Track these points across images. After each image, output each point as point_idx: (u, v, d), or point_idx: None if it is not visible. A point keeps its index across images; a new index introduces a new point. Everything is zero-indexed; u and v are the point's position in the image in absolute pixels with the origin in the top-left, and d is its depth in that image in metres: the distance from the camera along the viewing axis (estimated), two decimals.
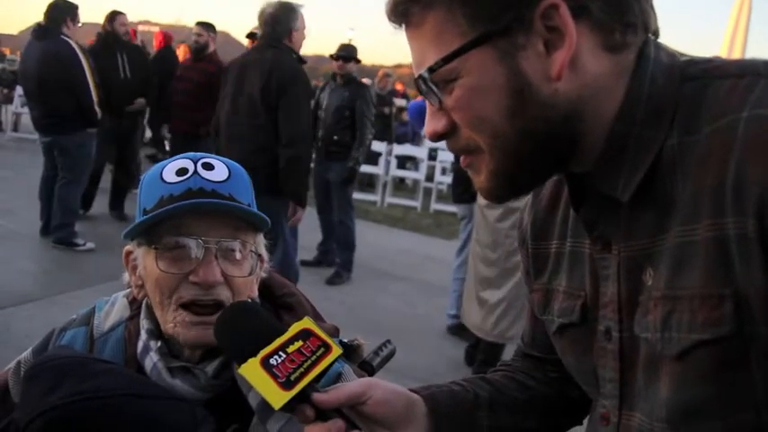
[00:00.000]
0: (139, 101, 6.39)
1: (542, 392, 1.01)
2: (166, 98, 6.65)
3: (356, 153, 5.40)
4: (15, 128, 11.53)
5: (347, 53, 5.51)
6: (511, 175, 0.75)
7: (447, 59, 0.70)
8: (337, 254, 5.72)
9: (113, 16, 6.27)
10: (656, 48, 0.74)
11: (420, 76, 0.73)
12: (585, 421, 0.99)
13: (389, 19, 0.76)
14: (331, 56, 5.57)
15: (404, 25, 0.75)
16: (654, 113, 0.71)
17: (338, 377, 1.01)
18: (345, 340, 1.13)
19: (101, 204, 6.60)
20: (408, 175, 10.57)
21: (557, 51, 0.68)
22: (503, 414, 0.97)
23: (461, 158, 0.79)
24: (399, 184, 10.87)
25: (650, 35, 0.74)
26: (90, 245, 5.45)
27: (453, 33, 0.70)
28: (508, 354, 3.97)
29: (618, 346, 0.77)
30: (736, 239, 0.62)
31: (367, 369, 1.13)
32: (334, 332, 1.11)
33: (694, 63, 0.73)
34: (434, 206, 9.25)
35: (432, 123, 0.77)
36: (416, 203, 9.43)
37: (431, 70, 0.72)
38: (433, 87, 0.73)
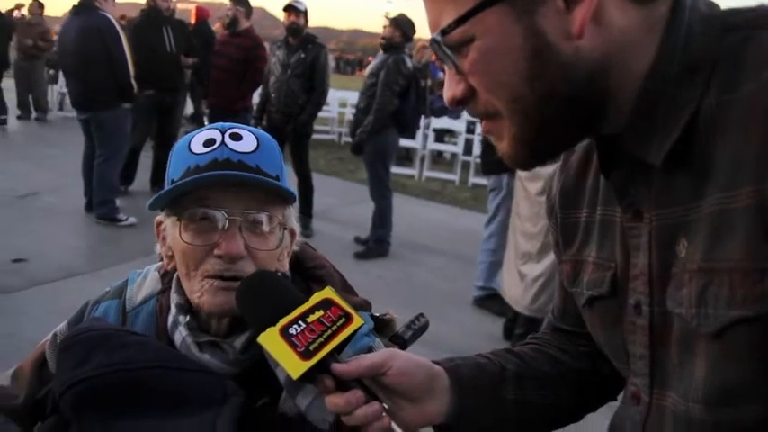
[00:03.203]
0: (185, 60, 6.42)
1: (573, 367, 0.97)
2: (204, 74, 6.71)
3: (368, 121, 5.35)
4: (61, 107, 11.82)
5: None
6: (533, 140, 0.71)
7: (461, 21, 0.66)
8: (371, 229, 5.71)
9: None
10: None
11: (434, 40, 0.69)
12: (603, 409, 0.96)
13: None
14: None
15: None
16: (689, 69, 0.65)
17: (368, 351, 0.99)
18: (377, 314, 1.11)
19: (142, 180, 6.73)
20: (446, 148, 10.46)
21: (577, 6, 0.63)
22: (530, 388, 0.93)
23: (482, 124, 0.75)
24: (437, 158, 10.77)
25: None
26: (132, 220, 5.57)
27: None
28: None
29: (648, 321, 0.73)
30: None
31: (398, 342, 1.11)
32: (365, 306, 1.09)
33: (737, 12, 0.67)
34: (472, 180, 9.15)
35: (450, 88, 0.73)
36: (454, 177, 9.34)
37: (444, 33, 0.68)
38: (448, 51, 0.69)
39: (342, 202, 7.22)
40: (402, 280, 5.13)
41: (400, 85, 5.27)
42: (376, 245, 5.61)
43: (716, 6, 0.68)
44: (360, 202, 6.97)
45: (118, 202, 5.74)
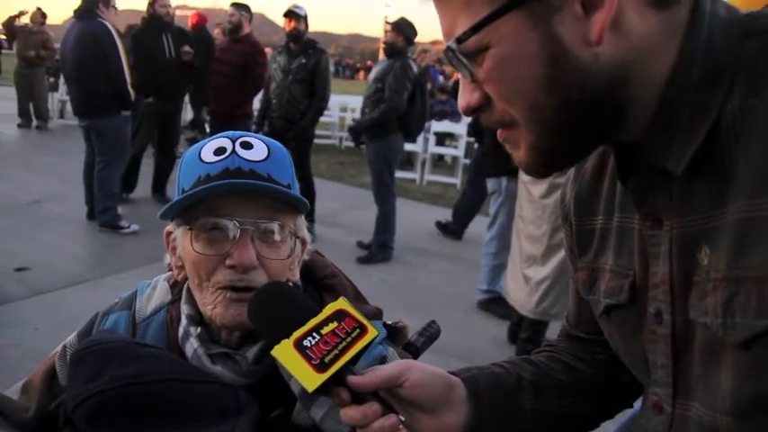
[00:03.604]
0: (185, 50, 6.35)
1: (589, 375, 0.96)
2: (205, 80, 6.71)
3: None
4: (62, 115, 11.83)
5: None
6: (551, 148, 0.70)
7: (476, 28, 0.65)
8: (374, 233, 5.70)
9: None
10: (713, 1, 0.66)
11: (448, 48, 0.68)
12: (619, 416, 0.95)
13: None
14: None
15: None
16: (711, 74, 0.64)
17: (382, 360, 0.98)
18: (389, 322, 1.10)
19: (144, 187, 6.72)
20: (447, 151, 10.45)
21: (596, 12, 0.62)
22: (547, 397, 0.92)
23: (498, 132, 0.73)
24: (438, 162, 10.76)
25: None
26: (134, 227, 5.56)
27: (482, 0, 0.64)
28: (552, 331, 3.91)
29: (670, 330, 0.72)
30: None
31: (411, 350, 1.11)
32: (377, 314, 1.08)
33: (758, 16, 0.66)
34: None
35: (464, 97, 0.71)
36: (456, 180, 9.33)
37: (459, 41, 0.66)
38: (463, 59, 0.68)
39: (344, 207, 7.21)
40: (405, 284, 5.11)
41: (408, 90, 5.28)
42: (379, 249, 5.60)
43: (735, 10, 0.67)
44: (362, 207, 6.97)
45: (120, 209, 5.74)
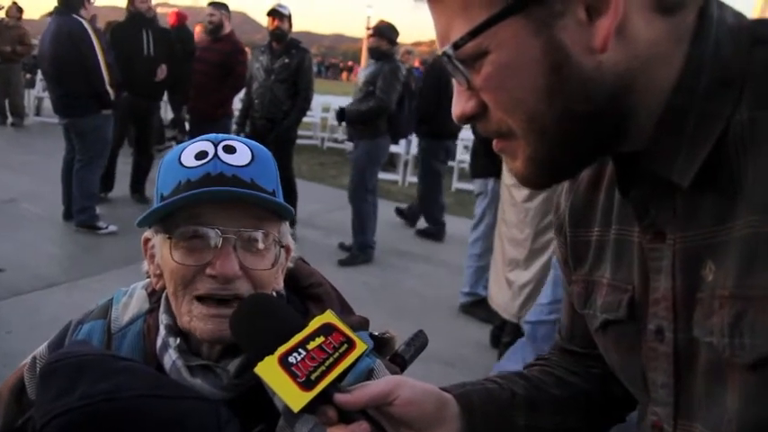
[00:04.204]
0: (162, 67, 6.26)
1: (583, 389, 0.93)
2: (185, 79, 6.61)
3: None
4: (38, 112, 11.61)
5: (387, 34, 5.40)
6: (551, 160, 0.67)
7: (474, 33, 0.61)
8: (352, 235, 5.67)
9: None
10: (720, 7, 0.64)
11: (445, 53, 0.64)
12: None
13: None
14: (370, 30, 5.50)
15: None
16: (719, 83, 0.61)
17: (370, 374, 0.94)
18: (376, 333, 1.06)
19: (122, 187, 6.61)
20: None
21: (600, 18, 0.59)
22: (541, 413, 0.89)
23: (494, 143, 0.70)
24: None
25: None
26: (112, 228, 5.46)
27: (480, 4, 0.61)
28: None
29: (672, 348, 0.69)
30: None
31: (399, 362, 1.07)
32: (363, 324, 1.04)
33: (765, 23, 0.63)
34: (456, 185, 9.13)
35: (459, 104, 0.68)
36: None
37: (456, 46, 0.63)
38: (459, 65, 0.64)
39: (325, 208, 7.16)
40: (387, 287, 5.08)
41: (398, 91, 5.28)
42: (360, 251, 5.55)
43: (743, 16, 0.65)
44: (343, 208, 6.90)
45: (98, 209, 5.63)
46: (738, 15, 0.65)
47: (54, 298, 4.12)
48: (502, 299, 3.90)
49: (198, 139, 0.95)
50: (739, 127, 0.60)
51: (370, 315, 1.08)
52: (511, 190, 3.84)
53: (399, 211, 7.07)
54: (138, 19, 6.19)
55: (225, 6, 6.08)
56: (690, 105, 0.62)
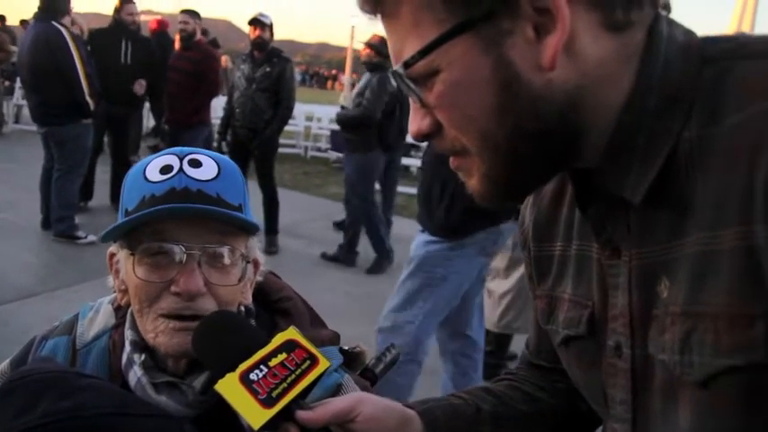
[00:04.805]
0: (140, 81, 6.25)
1: (550, 405, 0.93)
2: (164, 87, 6.58)
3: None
4: (17, 120, 11.48)
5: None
6: (505, 177, 0.67)
7: (424, 52, 0.62)
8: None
9: (122, 5, 6.21)
10: (669, 25, 0.65)
11: (395, 72, 0.65)
12: None
13: (362, 9, 0.66)
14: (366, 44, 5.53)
15: (379, 15, 0.66)
16: (668, 101, 0.62)
17: (338, 389, 0.94)
18: (346, 347, 1.06)
19: (102, 196, 6.54)
20: (412, 162, 10.46)
21: (548, 36, 0.59)
22: (507, 428, 0.90)
23: (450, 160, 0.70)
24: (404, 172, 10.75)
25: (660, 11, 0.64)
26: (92, 237, 5.39)
27: (431, 22, 0.61)
28: (516, 345, 3.91)
29: (629, 364, 0.69)
30: None
31: (369, 377, 1.07)
32: (334, 339, 1.04)
33: (715, 41, 0.64)
34: None
35: (415, 122, 0.68)
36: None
37: (406, 65, 0.63)
38: (411, 84, 0.65)
39: (307, 218, 7.14)
40: (369, 296, 5.06)
41: (385, 103, 5.29)
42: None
43: (692, 34, 0.65)
44: (326, 218, 6.90)
45: (77, 219, 5.57)
46: (688, 33, 0.65)
47: (31, 308, 4.07)
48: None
49: (163, 152, 0.95)
50: (688, 144, 0.61)
51: (353, 324, 1.07)
52: None
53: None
54: (121, 28, 6.18)
55: (197, 14, 6.10)
56: (639, 123, 0.63)
